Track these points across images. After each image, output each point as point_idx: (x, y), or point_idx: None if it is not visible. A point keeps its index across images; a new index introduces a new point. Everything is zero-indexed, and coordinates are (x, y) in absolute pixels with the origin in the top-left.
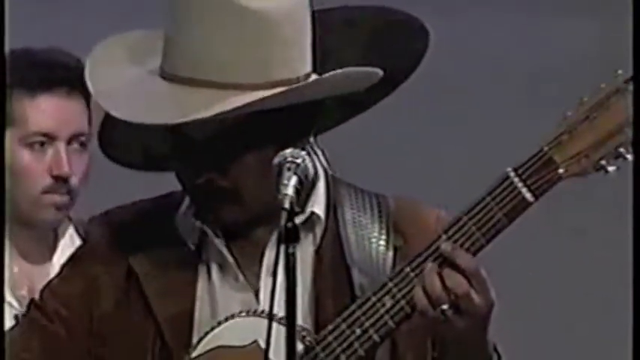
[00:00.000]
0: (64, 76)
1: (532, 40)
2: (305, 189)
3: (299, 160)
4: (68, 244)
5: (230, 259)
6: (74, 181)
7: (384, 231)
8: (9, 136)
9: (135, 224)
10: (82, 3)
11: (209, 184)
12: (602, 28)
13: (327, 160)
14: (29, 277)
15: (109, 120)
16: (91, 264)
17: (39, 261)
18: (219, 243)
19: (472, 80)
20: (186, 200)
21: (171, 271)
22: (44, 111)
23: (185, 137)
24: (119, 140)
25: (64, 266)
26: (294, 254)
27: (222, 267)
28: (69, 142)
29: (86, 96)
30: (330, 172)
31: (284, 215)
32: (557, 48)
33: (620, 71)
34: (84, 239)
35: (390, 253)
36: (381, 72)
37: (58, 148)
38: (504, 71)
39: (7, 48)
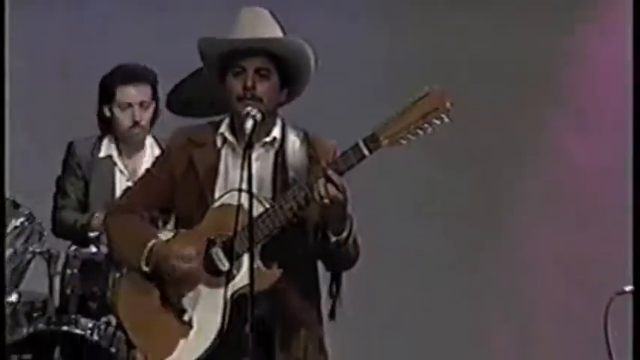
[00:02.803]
0: (132, 74)
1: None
2: (265, 124)
3: (254, 112)
4: (150, 148)
5: (237, 145)
6: (143, 123)
7: (304, 147)
8: (115, 107)
9: (194, 133)
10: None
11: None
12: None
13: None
14: (133, 165)
15: (175, 90)
16: (172, 154)
17: (137, 156)
18: (234, 142)
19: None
20: (224, 123)
21: (209, 159)
22: (124, 91)
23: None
24: (180, 99)
25: (160, 154)
26: (250, 156)
27: (234, 159)
28: (140, 105)
29: (152, 84)
30: (283, 119)
31: (247, 138)
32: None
33: (426, 87)
34: (161, 147)
35: (307, 159)
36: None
37: (134, 109)
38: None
39: (7, 47)
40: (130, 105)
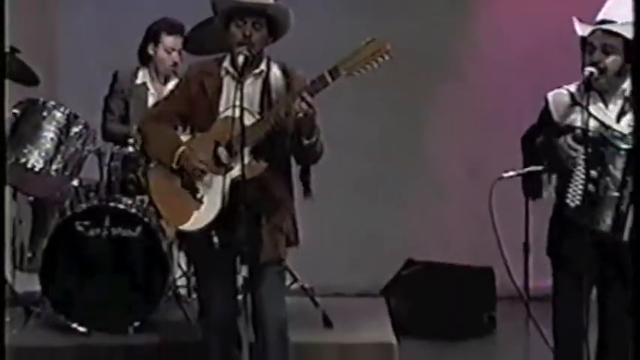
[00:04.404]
0: (176, 27)
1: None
2: (254, 61)
3: (245, 52)
4: (172, 79)
5: (235, 74)
6: (179, 64)
7: (284, 76)
8: (160, 49)
9: (204, 66)
10: None
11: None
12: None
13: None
14: (160, 90)
15: (190, 34)
16: (189, 78)
17: (164, 84)
18: (233, 72)
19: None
20: (227, 59)
21: (215, 84)
22: (169, 40)
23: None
24: (194, 41)
25: (180, 80)
26: (242, 82)
27: (233, 83)
28: (179, 52)
29: (182, 36)
30: (268, 56)
31: (240, 70)
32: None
33: (367, 38)
34: (180, 77)
35: (285, 85)
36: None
37: (175, 53)
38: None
39: (7, 46)
40: (173, 50)
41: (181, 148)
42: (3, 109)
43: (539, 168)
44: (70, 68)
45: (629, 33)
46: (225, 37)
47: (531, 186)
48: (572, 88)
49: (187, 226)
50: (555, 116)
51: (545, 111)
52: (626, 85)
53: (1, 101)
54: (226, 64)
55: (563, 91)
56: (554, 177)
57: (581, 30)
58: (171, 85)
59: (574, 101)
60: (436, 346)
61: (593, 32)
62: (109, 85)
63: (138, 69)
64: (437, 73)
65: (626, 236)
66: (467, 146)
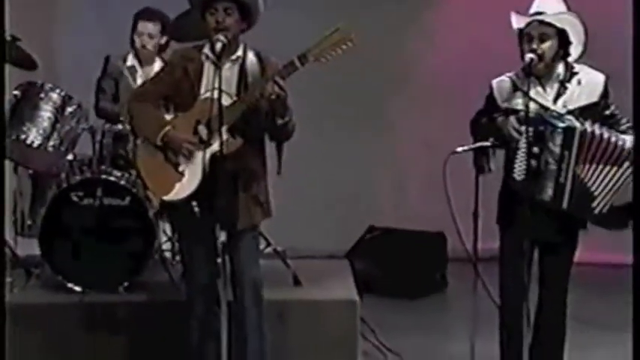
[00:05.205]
0: (154, 15)
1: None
2: (231, 45)
3: (222, 38)
4: (157, 63)
5: (215, 60)
6: (149, 47)
7: (259, 62)
8: (136, 35)
9: (187, 51)
10: None
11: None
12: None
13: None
14: (147, 72)
15: (175, 21)
16: (173, 63)
17: (150, 67)
18: (213, 58)
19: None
20: (207, 46)
21: (197, 68)
22: (142, 25)
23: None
24: (179, 30)
25: (165, 65)
26: (220, 67)
27: (215, 68)
28: (148, 36)
29: (162, 22)
30: (245, 43)
31: (217, 54)
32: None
33: (340, 24)
34: (164, 60)
35: (260, 69)
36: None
37: (149, 39)
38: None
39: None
40: (142, 34)
41: (167, 128)
42: (4, 90)
43: (488, 143)
44: (69, 59)
45: (559, 22)
46: (203, 27)
47: (480, 161)
48: (513, 75)
49: (171, 197)
50: (499, 101)
51: (490, 96)
52: (560, 69)
53: (2, 84)
54: (206, 50)
55: (505, 78)
56: (497, 151)
57: (517, 22)
58: (157, 67)
59: (515, 87)
60: (394, 303)
61: (529, 23)
62: (102, 68)
63: (128, 53)
64: (399, 60)
65: (564, 204)
66: (425, 124)
